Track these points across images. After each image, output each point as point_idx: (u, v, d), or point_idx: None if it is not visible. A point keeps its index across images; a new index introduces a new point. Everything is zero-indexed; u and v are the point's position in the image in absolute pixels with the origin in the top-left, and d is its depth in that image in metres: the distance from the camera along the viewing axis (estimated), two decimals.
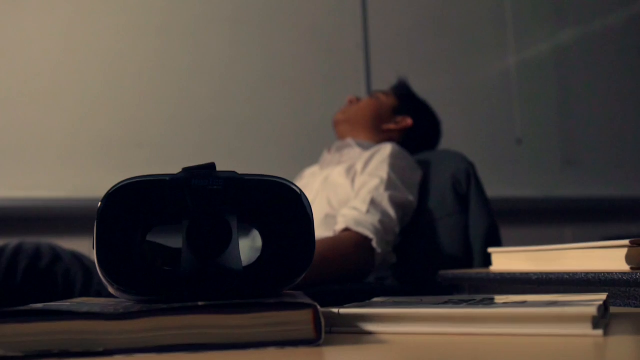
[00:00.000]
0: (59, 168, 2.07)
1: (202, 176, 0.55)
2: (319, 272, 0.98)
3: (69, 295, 1.00)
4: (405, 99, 1.51)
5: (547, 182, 2.93)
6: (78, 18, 2.16)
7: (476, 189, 1.23)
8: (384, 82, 2.46)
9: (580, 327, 0.45)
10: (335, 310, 0.53)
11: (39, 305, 0.49)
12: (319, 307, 0.45)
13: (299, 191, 0.58)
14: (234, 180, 0.56)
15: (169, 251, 0.55)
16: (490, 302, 0.54)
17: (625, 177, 3.11)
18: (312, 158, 2.19)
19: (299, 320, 0.45)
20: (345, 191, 1.27)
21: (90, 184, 2.10)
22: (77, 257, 1.07)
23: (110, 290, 0.54)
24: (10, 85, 2.04)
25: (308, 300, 0.46)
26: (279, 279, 0.55)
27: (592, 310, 0.44)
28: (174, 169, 1.72)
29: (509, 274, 0.80)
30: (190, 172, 0.55)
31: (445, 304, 0.57)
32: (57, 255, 1.03)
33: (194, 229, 0.54)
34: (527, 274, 0.77)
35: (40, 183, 2.04)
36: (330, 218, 1.25)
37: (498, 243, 1.19)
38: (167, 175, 0.55)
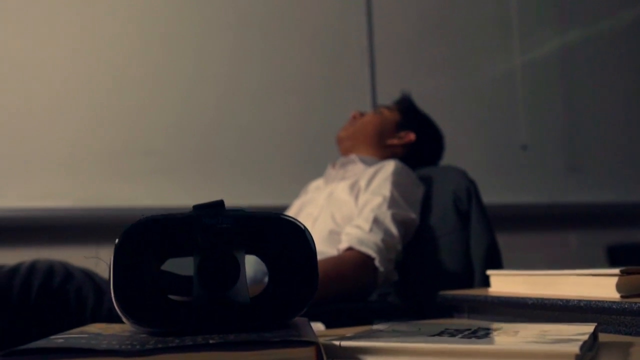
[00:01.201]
0: (65, 177, 2.11)
1: (211, 215, 0.58)
2: (324, 291, 1.01)
3: (81, 312, 1.03)
4: (408, 113, 1.54)
5: (552, 187, 2.95)
6: (83, 27, 2.19)
7: (477, 207, 1.26)
8: (389, 84, 2.51)
9: None
10: (336, 342, 0.56)
11: (60, 340, 0.52)
12: (321, 344, 0.49)
13: (302, 227, 0.61)
14: (241, 217, 0.59)
15: (181, 285, 0.59)
16: (483, 334, 0.58)
17: (630, 182, 3.14)
18: (316, 164, 2.22)
19: (303, 357, 0.48)
20: (349, 208, 1.31)
21: (97, 193, 2.14)
22: (88, 275, 1.10)
23: (125, 321, 0.58)
24: (15, 94, 2.08)
25: (312, 337, 0.50)
26: (284, 310, 0.59)
27: (575, 349, 0.47)
28: (180, 177, 1.77)
29: (505, 298, 0.83)
30: (201, 211, 0.59)
31: (442, 333, 0.60)
32: (69, 273, 1.07)
33: (204, 265, 0.57)
34: (523, 298, 0.80)
35: (46, 192, 2.08)
36: (334, 234, 1.29)
37: (498, 260, 1.22)
38: (179, 214, 0.59)
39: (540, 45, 3.02)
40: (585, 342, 0.51)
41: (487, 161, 2.83)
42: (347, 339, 0.57)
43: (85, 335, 0.57)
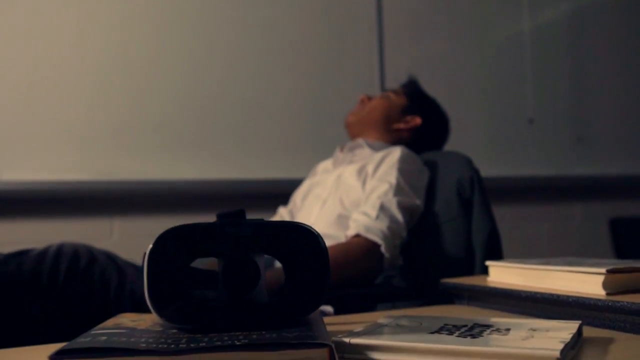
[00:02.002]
0: (77, 151, 2.19)
1: (233, 224, 0.65)
2: (333, 276, 1.08)
3: (105, 293, 1.11)
4: (414, 98, 1.59)
5: (559, 160, 3.01)
6: (94, 3, 2.23)
7: (479, 195, 1.32)
8: (397, 54, 2.55)
9: None
10: (346, 340, 0.63)
11: (103, 338, 0.59)
12: (333, 346, 0.55)
13: (316, 233, 0.67)
14: (260, 226, 0.66)
15: (207, 287, 0.65)
16: (478, 333, 0.64)
17: (637, 154, 3.18)
18: (322, 139, 2.29)
19: (318, 356, 0.55)
20: (356, 193, 1.37)
21: (108, 166, 2.22)
22: (111, 258, 1.17)
23: (157, 319, 0.65)
24: (30, 72, 2.14)
25: (326, 339, 0.56)
26: (299, 310, 0.65)
27: (556, 353, 0.54)
28: (188, 151, 1.84)
29: (502, 289, 0.89)
30: (224, 220, 0.65)
31: (441, 329, 0.67)
32: (93, 256, 1.14)
33: (227, 269, 0.64)
34: (517, 291, 0.86)
35: (60, 166, 2.15)
36: (342, 218, 1.35)
37: (498, 246, 1.29)
38: (205, 223, 0.65)
39: (550, 12, 3.03)
40: (566, 345, 0.58)
41: (495, 135, 2.89)
42: (355, 336, 0.64)
43: (123, 331, 0.63)
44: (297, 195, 1.65)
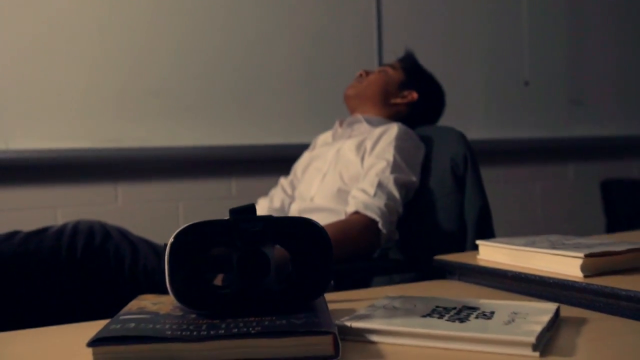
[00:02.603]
0: (80, 119, 2.24)
1: (246, 220, 0.71)
2: (334, 252, 1.15)
3: (120, 267, 1.18)
4: (411, 72, 1.64)
5: (554, 122, 3.08)
6: None
7: (472, 172, 1.38)
8: (395, 19, 2.58)
9: (523, 350, 0.62)
10: (348, 323, 0.70)
11: (132, 325, 0.66)
12: (337, 333, 0.63)
13: (319, 226, 0.74)
14: (269, 221, 0.72)
15: (223, 277, 0.72)
16: (465, 316, 0.72)
17: (631, 115, 3.24)
18: (318, 107, 2.35)
19: (323, 342, 0.63)
20: (355, 168, 1.44)
21: (112, 134, 2.27)
22: (123, 234, 1.24)
23: (176, 302, 0.72)
24: (32, 44, 2.18)
25: (331, 327, 0.64)
26: (306, 296, 0.73)
27: (532, 339, 0.61)
28: (189, 118, 1.91)
29: (490, 268, 0.97)
30: (237, 217, 0.72)
31: (433, 312, 0.74)
32: (107, 233, 1.21)
33: (241, 261, 0.71)
34: (504, 270, 0.94)
35: (64, 134, 2.21)
36: (342, 192, 1.43)
37: (489, 222, 1.36)
38: (220, 221, 0.71)
39: None
40: (543, 330, 0.65)
41: (491, 97, 2.94)
42: (356, 319, 0.71)
43: (148, 316, 0.71)
44: (298, 167, 1.71)
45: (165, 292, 1.03)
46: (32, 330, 0.83)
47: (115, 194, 2.34)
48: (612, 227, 2.88)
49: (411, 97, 1.61)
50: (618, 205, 2.88)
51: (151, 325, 0.66)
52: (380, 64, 2.66)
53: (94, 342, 0.61)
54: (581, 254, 0.85)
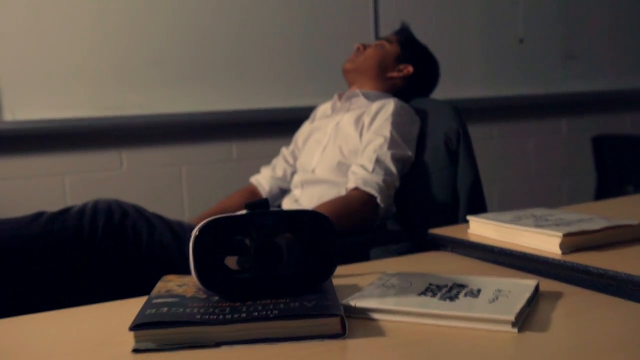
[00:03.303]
0: (86, 89, 2.31)
1: (261, 214, 0.81)
2: (337, 226, 1.25)
3: (137, 244, 1.27)
4: (407, 46, 1.71)
5: (548, 78, 3.15)
6: None
7: (464, 147, 1.47)
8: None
9: (504, 326, 0.72)
10: (352, 303, 0.80)
11: (164, 310, 0.76)
12: (343, 315, 0.73)
13: (325, 217, 0.83)
14: (281, 214, 0.82)
15: (242, 265, 0.81)
16: (456, 293, 0.82)
17: (624, 69, 3.32)
18: (315, 71, 2.43)
19: (332, 323, 0.73)
20: (354, 142, 1.52)
21: (116, 102, 2.34)
22: (139, 211, 1.33)
23: (199, 285, 0.81)
24: (35, 15, 2.22)
25: (338, 310, 0.73)
26: (315, 279, 0.82)
27: (511, 317, 0.71)
28: (189, 84, 2.03)
29: (479, 243, 1.07)
30: (253, 211, 0.81)
31: (426, 290, 0.84)
32: (124, 211, 1.30)
33: (257, 250, 0.80)
34: (491, 246, 1.04)
35: (68, 103, 2.28)
36: (342, 165, 1.52)
37: (480, 194, 1.45)
38: (238, 216, 0.80)
39: None
40: (522, 309, 0.75)
41: (486, 56, 3.00)
42: (358, 299, 0.81)
43: (177, 299, 0.80)
44: (299, 137, 1.79)
45: (180, 266, 1.14)
46: (65, 310, 0.92)
47: (120, 160, 2.42)
48: (602, 181, 2.98)
49: (407, 70, 1.68)
50: (608, 160, 2.97)
51: (182, 309, 0.76)
52: (376, 26, 2.71)
53: (135, 327, 0.71)
54: (560, 234, 0.95)
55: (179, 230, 1.33)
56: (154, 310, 0.76)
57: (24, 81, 2.21)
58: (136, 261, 1.26)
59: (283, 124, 2.57)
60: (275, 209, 0.82)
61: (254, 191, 1.79)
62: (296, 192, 1.63)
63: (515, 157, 3.21)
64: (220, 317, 0.73)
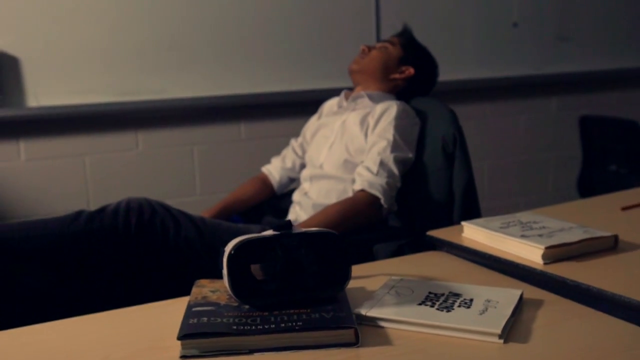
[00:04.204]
0: (104, 75, 2.42)
1: (285, 236, 0.94)
2: (344, 226, 1.40)
3: (165, 239, 1.42)
4: (409, 49, 1.82)
5: (540, 59, 3.26)
6: None
7: (460, 151, 1.60)
8: None
9: (491, 338, 0.86)
10: (363, 312, 0.94)
11: (204, 320, 0.90)
12: (357, 328, 0.87)
13: (340, 238, 0.97)
14: (303, 235, 0.95)
15: (270, 278, 0.95)
16: (451, 303, 0.96)
17: (613, 50, 3.44)
18: (322, 56, 2.57)
19: (347, 333, 0.87)
20: (359, 141, 1.66)
21: (133, 87, 2.46)
22: (166, 208, 1.47)
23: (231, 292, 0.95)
24: (56, 7, 2.32)
25: (352, 322, 0.88)
26: (331, 291, 0.97)
27: (498, 331, 0.86)
28: (201, 69, 2.22)
29: (471, 249, 1.21)
30: (278, 234, 0.94)
31: (426, 298, 0.98)
32: (153, 209, 1.43)
33: (283, 266, 0.94)
34: (482, 252, 1.18)
35: (89, 88, 2.40)
36: (348, 163, 1.65)
37: (474, 195, 1.59)
38: (267, 237, 0.94)
39: None
40: (508, 321, 0.89)
41: (481, 39, 3.11)
42: (368, 308, 0.95)
43: (213, 308, 0.94)
44: (307, 131, 1.92)
45: (203, 259, 1.28)
46: (113, 312, 1.05)
47: (136, 141, 2.55)
48: (587, 159, 3.12)
49: (408, 72, 1.80)
50: (593, 140, 3.10)
51: (219, 319, 0.90)
52: (377, 8, 2.80)
53: (183, 337, 0.86)
54: (542, 246, 1.09)
55: (201, 226, 1.47)
56: (195, 320, 0.90)
57: (46, 69, 2.32)
58: (164, 255, 1.40)
59: (288, 106, 2.70)
60: (302, 231, 0.95)
61: (264, 180, 1.93)
62: (305, 185, 1.77)
63: (506, 133, 3.35)
64: (253, 327, 0.87)
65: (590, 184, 3.11)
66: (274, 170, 1.93)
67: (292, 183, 1.92)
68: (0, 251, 1.29)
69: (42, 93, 2.32)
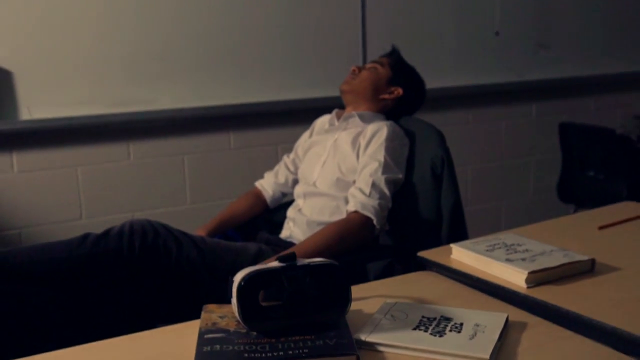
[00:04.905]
0: (94, 88, 2.47)
1: (290, 268, 1.02)
2: (339, 246, 1.48)
3: (168, 259, 1.48)
4: (397, 70, 1.91)
5: (521, 66, 3.37)
6: None
7: (448, 172, 1.68)
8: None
9: None
10: (362, 337, 1.02)
11: (217, 347, 0.97)
12: (358, 354, 0.95)
13: (338, 264, 1.05)
14: (307, 267, 1.03)
15: (276, 306, 1.03)
16: (443, 328, 1.04)
17: (591, 57, 3.57)
18: (309, 66, 2.65)
19: (350, 359, 0.95)
20: (351, 161, 1.74)
21: (123, 98, 2.51)
22: (168, 229, 1.53)
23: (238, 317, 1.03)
24: (46, 21, 2.37)
25: (354, 349, 0.95)
26: (333, 317, 1.04)
27: (486, 356, 0.94)
28: (191, 79, 2.30)
29: (458, 270, 1.29)
30: (285, 266, 1.02)
31: (420, 322, 1.07)
32: (156, 230, 1.50)
33: (289, 296, 1.02)
34: (469, 274, 1.27)
35: (80, 99, 2.44)
36: (340, 181, 1.73)
37: (461, 214, 1.67)
38: (274, 269, 1.02)
39: None
40: (495, 344, 0.98)
41: (465, 48, 3.21)
42: (366, 333, 1.03)
43: (224, 335, 1.02)
44: (299, 147, 2.00)
45: (204, 277, 1.35)
46: (127, 337, 1.12)
47: (128, 152, 2.60)
48: (566, 164, 3.23)
49: (397, 92, 1.88)
50: (572, 146, 3.21)
51: (231, 347, 0.97)
52: (363, 17, 2.88)
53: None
54: (525, 271, 1.18)
55: (202, 246, 1.54)
56: (209, 348, 0.97)
57: (38, 82, 2.37)
58: (168, 275, 1.47)
59: (276, 115, 2.78)
60: (306, 264, 1.03)
61: (258, 195, 2.01)
62: (299, 201, 1.85)
63: (488, 138, 3.46)
64: (263, 355, 0.95)
65: (570, 188, 3.23)
66: (267, 185, 2.00)
67: (284, 197, 2.00)
68: (10, 275, 1.35)
69: (34, 106, 2.37)
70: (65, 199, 2.51)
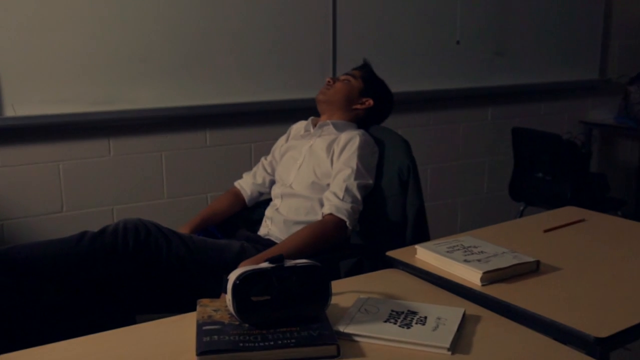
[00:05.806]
0: (78, 86, 2.57)
1: (279, 269, 1.17)
2: (315, 245, 1.64)
3: (158, 256, 1.62)
4: (369, 82, 2.07)
5: (479, 72, 3.58)
6: None
7: (413, 179, 1.85)
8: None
9: (442, 350, 1.12)
10: (341, 329, 1.18)
11: (215, 338, 1.12)
12: (339, 344, 1.11)
13: (322, 267, 1.20)
14: (294, 268, 1.18)
15: (266, 301, 1.18)
16: (409, 321, 1.21)
17: (540, 65, 3.81)
18: (291, 68, 2.82)
19: (331, 348, 1.11)
20: (326, 166, 1.90)
21: (104, 96, 2.62)
22: (158, 228, 1.67)
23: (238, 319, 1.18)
24: (31, 20, 2.46)
25: (334, 339, 1.11)
26: (315, 311, 1.20)
27: (447, 345, 1.11)
28: (175, 80, 2.49)
29: (422, 269, 1.46)
30: (273, 267, 1.17)
31: (390, 316, 1.23)
32: (147, 228, 1.63)
33: (277, 294, 1.17)
34: (432, 273, 1.44)
35: (64, 97, 2.54)
36: (315, 184, 1.89)
37: (424, 218, 1.84)
38: (264, 269, 1.17)
39: None
40: (455, 335, 1.15)
41: (428, 56, 3.40)
42: (344, 324, 1.19)
43: (220, 327, 1.17)
44: (276, 151, 2.15)
45: (192, 273, 1.49)
46: (128, 328, 1.25)
47: (109, 148, 2.72)
48: (518, 166, 3.44)
49: (368, 103, 2.05)
50: (523, 149, 3.43)
51: (227, 337, 1.12)
52: (334, 28, 3.03)
53: (201, 353, 1.08)
54: (480, 271, 1.35)
55: (190, 243, 1.68)
56: (208, 338, 1.12)
57: (22, 80, 2.46)
58: (159, 270, 1.61)
59: (250, 115, 2.92)
60: (294, 265, 1.18)
61: (237, 194, 2.15)
62: (277, 201, 2.00)
63: (447, 139, 3.67)
64: (256, 344, 1.10)
65: (520, 188, 3.45)
66: (246, 185, 2.15)
67: (261, 196, 2.15)
68: (12, 271, 1.47)
69: (19, 103, 2.46)
70: (47, 192, 2.61)
